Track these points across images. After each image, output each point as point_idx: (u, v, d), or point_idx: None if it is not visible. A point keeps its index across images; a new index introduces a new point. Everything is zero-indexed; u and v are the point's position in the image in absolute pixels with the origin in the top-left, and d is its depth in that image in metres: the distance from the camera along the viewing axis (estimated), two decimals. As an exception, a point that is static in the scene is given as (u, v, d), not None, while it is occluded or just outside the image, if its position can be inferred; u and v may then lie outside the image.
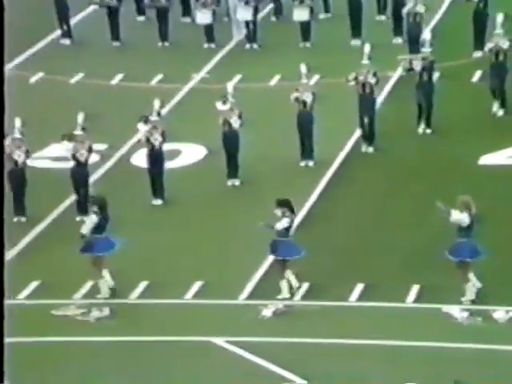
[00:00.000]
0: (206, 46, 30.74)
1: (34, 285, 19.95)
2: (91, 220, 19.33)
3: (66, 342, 18.37)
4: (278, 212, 19.19)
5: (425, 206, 21.88)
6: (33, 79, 28.91)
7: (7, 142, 21.68)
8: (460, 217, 18.36)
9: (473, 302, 18.88)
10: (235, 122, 23.04)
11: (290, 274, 19.15)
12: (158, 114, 23.06)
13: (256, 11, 31.11)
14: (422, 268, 19.98)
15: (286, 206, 19.24)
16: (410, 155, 24.62)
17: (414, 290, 19.30)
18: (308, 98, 23.95)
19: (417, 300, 19.20)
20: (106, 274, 19.20)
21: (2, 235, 3.42)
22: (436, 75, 26.31)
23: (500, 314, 18.52)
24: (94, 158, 23.06)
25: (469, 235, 18.98)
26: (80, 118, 22.19)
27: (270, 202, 19.59)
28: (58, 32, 31.47)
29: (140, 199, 22.77)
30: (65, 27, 30.99)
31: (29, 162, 22.44)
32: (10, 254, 20.76)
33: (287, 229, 19.33)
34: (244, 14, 30.88)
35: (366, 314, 19.15)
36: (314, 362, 17.46)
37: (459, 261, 18.90)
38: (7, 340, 17.44)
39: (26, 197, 22.10)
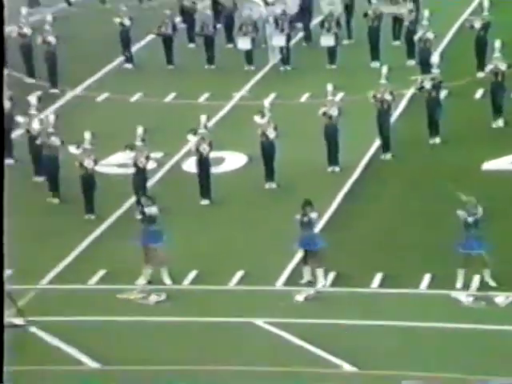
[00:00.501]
0: (246, 68, 30.67)
1: (101, 273, 19.97)
2: (154, 210, 19.45)
3: (129, 321, 18.40)
4: (307, 210, 19.19)
5: (436, 206, 21.92)
6: (99, 98, 28.94)
7: (79, 151, 21.86)
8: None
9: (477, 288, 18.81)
10: (271, 134, 22.98)
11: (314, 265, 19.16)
12: (205, 126, 23.01)
13: (289, 38, 31.08)
14: (433, 259, 19.86)
15: (309, 205, 19.23)
16: (422, 161, 24.50)
17: (427, 278, 19.21)
18: (334, 112, 23.86)
19: (429, 287, 19.12)
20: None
21: (1, 234, 3.05)
22: (444, 93, 26.23)
23: (501, 298, 18.36)
24: (151, 164, 23.10)
25: (475, 231, 18.89)
26: (139, 130, 22.28)
27: (302, 201, 19.56)
28: (122, 58, 31.45)
29: (190, 199, 22.69)
30: (127, 54, 31.08)
31: (97, 169, 22.48)
32: (81, 246, 20.98)
33: (312, 225, 19.31)
34: (278, 40, 30.88)
35: (385, 299, 19.06)
36: (341, 340, 17.45)
37: (467, 253, 18.80)
38: (82, 318, 17.80)
39: (94, 198, 22.15)
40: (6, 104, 24.28)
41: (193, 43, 32.55)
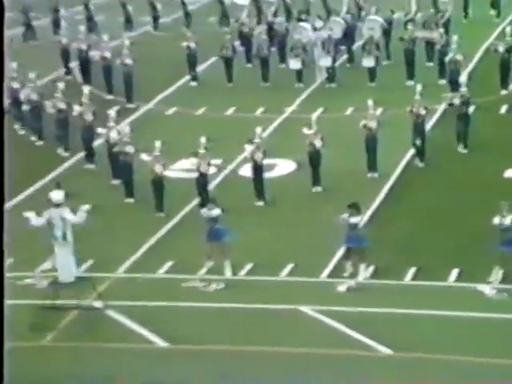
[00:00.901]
0: (296, 85, 30.66)
1: (169, 264, 20.04)
2: (217, 212, 19.52)
3: (192, 306, 18.44)
4: (350, 212, 19.13)
5: (463, 208, 21.87)
6: (168, 112, 29.15)
7: (150, 158, 22.04)
8: None
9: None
10: (318, 143, 22.95)
11: (356, 260, 19.12)
12: (260, 137, 23.08)
13: (334, 59, 31.11)
14: (461, 256, 19.73)
15: (355, 207, 19.14)
16: (451, 168, 24.35)
17: (455, 272, 19.13)
18: (373, 124, 23.81)
19: (456, 280, 19.05)
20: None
21: (1, 234, 3.02)
22: (472, 108, 25.95)
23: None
24: (212, 170, 23.13)
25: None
26: (202, 140, 22.41)
27: (344, 203, 19.53)
28: (188, 77, 31.62)
29: (246, 201, 22.70)
30: (193, 73, 31.27)
31: (165, 173, 22.60)
32: (152, 241, 21.14)
33: (356, 224, 19.25)
34: (325, 61, 30.88)
35: (417, 291, 18.96)
36: (378, 326, 17.38)
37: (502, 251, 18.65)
38: (152, 303, 17.90)
39: (163, 198, 22.29)
40: (89, 117, 24.74)
41: (250, 63, 32.63)
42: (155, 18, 37.34)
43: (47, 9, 36.70)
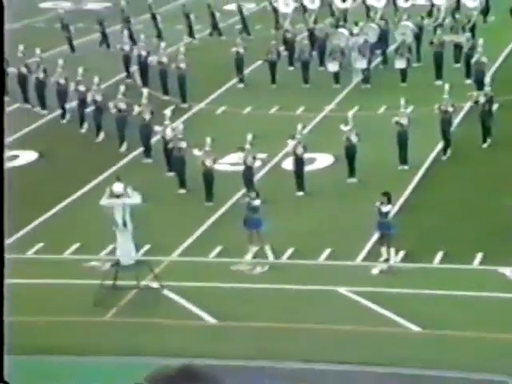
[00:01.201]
0: (334, 86, 30.58)
1: (218, 249, 20.10)
2: (257, 202, 19.54)
3: (239, 287, 18.57)
4: (382, 201, 19.10)
5: (486, 198, 21.75)
6: (218, 111, 29.17)
7: (201, 153, 22.14)
8: None
9: None
10: (354, 139, 22.96)
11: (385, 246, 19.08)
12: (301, 133, 23.10)
13: (369, 62, 31.08)
14: (484, 241, 19.66)
15: (387, 197, 19.08)
16: (476, 161, 24.28)
17: (479, 256, 19.03)
18: (404, 121, 23.75)
19: (480, 263, 18.94)
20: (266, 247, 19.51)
21: (2, 234, 2.80)
22: (495, 106, 25.76)
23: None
24: (257, 163, 23.20)
25: None
26: (249, 136, 22.47)
27: (377, 193, 19.53)
28: (236, 79, 31.66)
29: (288, 191, 22.70)
30: (240, 76, 31.31)
31: (215, 166, 22.67)
32: (203, 227, 21.27)
33: (387, 213, 19.16)
34: (361, 64, 30.83)
35: (445, 273, 18.89)
36: (408, 305, 17.37)
37: None
38: (203, 284, 18.02)
39: (213, 189, 22.36)
40: (147, 116, 24.93)
41: (292, 67, 32.56)
42: (214, 26, 37.37)
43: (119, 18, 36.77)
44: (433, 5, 36.05)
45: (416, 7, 35.66)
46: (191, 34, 36.70)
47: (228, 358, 15.65)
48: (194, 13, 36.97)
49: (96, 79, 27.22)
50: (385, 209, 19.05)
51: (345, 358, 15.74)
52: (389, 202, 19.21)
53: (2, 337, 3.93)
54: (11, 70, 29.89)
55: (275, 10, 37.55)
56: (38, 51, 30.04)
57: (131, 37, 34.39)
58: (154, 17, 37.02)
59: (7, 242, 21.32)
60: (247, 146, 22.56)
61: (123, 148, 25.99)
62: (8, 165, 25.58)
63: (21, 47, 29.97)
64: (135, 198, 18.75)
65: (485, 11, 36.12)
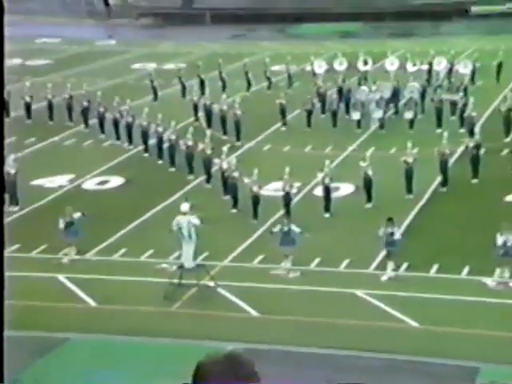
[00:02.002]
0: (355, 131, 30.35)
1: (260, 257, 19.87)
2: (293, 227, 19.33)
3: (277, 288, 18.45)
4: (387, 224, 18.93)
5: (474, 223, 21.44)
6: (265, 148, 29.11)
7: (250, 181, 22.03)
8: None
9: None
10: (370, 172, 22.75)
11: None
12: (329, 167, 23.04)
13: (384, 113, 30.86)
14: (471, 257, 19.35)
15: (391, 221, 19.03)
16: (466, 194, 23.78)
17: (466, 269, 18.82)
18: (411, 160, 23.50)
19: (467, 274, 18.72)
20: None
21: (2, 234, 2.80)
22: (482, 151, 25.36)
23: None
24: (294, 190, 22.86)
25: None
26: (287, 169, 22.36)
27: (388, 216, 19.35)
28: (279, 123, 31.60)
29: (317, 213, 22.40)
30: (283, 121, 31.22)
31: (261, 192, 22.60)
32: (249, 240, 21.02)
33: (391, 233, 18.98)
34: (378, 114, 30.61)
35: (439, 281, 18.59)
36: (410, 304, 17.23)
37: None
38: (249, 284, 18.03)
39: (258, 210, 22.27)
40: (209, 151, 25.02)
41: (323, 114, 32.35)
42: (269, 81, 37.29)
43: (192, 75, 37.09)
44: (433, 70, 35.88)
45: (421, 71, 35.46)
46: (248, 87, 36.84)
47: (268, 344, 15.60)
48: (251, 71, 37.23)
49: (172, 123, 27.54)
50: (390, 230, 18.88)
51: (359, 346, 15.65)
52: (393, 224, 19.03)
53: (1, 337, 3.13)
54: (108, 116, 30.49)
55: (312, 71, 37.60)
56: (128, 101, 30.43)
57: (202, 89, 34.73)
58: (220, 73, 37.26)
59: (101, 246, 21.56)
60: (286, 177, 22.42)
61: (190, 176, 26.09)
62: (101, 187, 26.02)
63: (116, 98, 30.43)
64: (196, 220, 18.88)
65: (473, 76, 35.82)
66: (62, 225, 19.92)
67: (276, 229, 19.72)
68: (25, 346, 15.39)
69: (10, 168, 23.01)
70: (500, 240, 18.06)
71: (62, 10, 58.83)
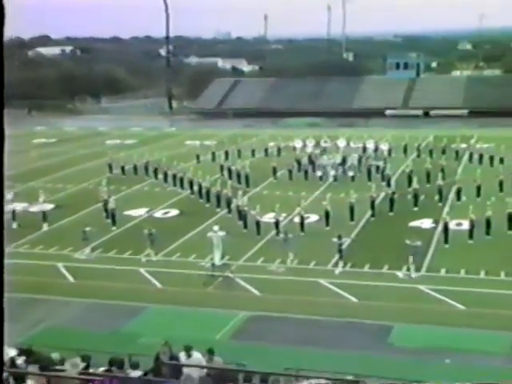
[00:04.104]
0: (320, 183, 29.48)
1: (261, 259, 19.29)
2: (287, 236, 18.95)
3: (270, 278, 17.77)
4: (338, 237, 18.52)
5: (392, 236, 20.57)
6: (264, 193, 28.59)
7: (255, 213, 21.44)
8: None
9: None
10: (328, 208, 22.44)
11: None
12: (303, 204, 22.75)
13: (336, 172, 30.24)
14: (391, 258, 18.69)
15: (339, 236, 18.53)
16: (386, 221, 23.21)
17: (386, 266, 18.09)
18: (353, 200, 23.27)
19: (387, 269, 17.95)
20: None
21: (1, 233, 2.03)
22: (396, 196, 24.75)
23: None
24: (281, 218, 22.60)
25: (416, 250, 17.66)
26: (277, 205, 22.25)
27: (337, 234, 18.94)
28: (272, 178, 31.01)
29: (295, 233, 21.32)
30: (274, 176, 30.30)
31: (261, 219, 22.33)
32: (254, 249, 20.46)
33: (341, 244, 18.43)
34: (332, 173, 30.13)
35: (371, 274, 17.87)
36: (356, 290, 16.58)
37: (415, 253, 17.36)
38: (253, 276, 17.68)
39: (260, 230, 21.90)
40: (229, 194, 24.40)
41: (299, 172, 30.98)
42: (266, 152, 36.05)
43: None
44: (366, 147, 35.56)
45: (358, 148, 35.15)
46: (253, 155, 36.09)
47: (265, 312, 15.19)
48: (256, 146, 36.14)
49: (207, 177, 27.03)
50: (339, 242, 18.41)
51: (321, 313, 14.93)
52: (341, 239, 18.26)
53: (2, 337, 2.05)
54: (169, 172, 29.80)
55: (293, 146, 37.16)
56: (181, 163, 30.61)
57: (225, 156, 33.72)
58: (237, 147, 36.01)
59: (165, 251, 20.64)
60: (276, 210, 22.28)
61: (218, 209, 25.57)
62: (165, 216, 25.25)
63: (174, 162, 30.39)
64: (222, 234, 18.84)
65: (390, 151, 35.37)
66: (145, 232, 19.91)
67: (280, 237, 19.43)
68: (115, 312, 15.23)
69: (111, 204, 23.68)
70: (407, 241, 17.88)
71: (144, 111, 60.46)
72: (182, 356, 8.08)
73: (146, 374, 7.14)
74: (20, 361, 6.29)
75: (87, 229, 20.42)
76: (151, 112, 59.60)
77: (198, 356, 8.04)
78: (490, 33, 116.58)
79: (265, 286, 17.13)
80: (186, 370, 6.94)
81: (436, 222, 22.53)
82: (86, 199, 27.06)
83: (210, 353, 8.28)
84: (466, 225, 20.81)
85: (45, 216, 23.90)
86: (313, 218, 23.93)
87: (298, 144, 37.29)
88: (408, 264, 17.76)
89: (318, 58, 74.10)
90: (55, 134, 47.55)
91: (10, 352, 5.93)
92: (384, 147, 35.51)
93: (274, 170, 31.21)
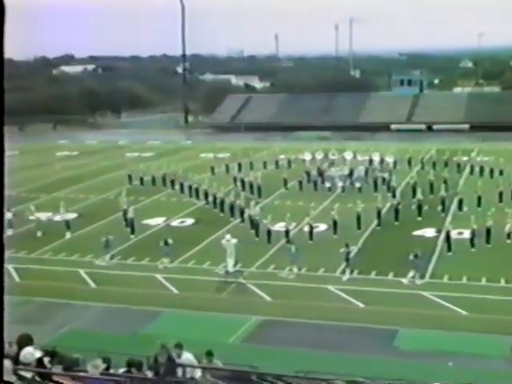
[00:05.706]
0: (328, 193, 29.41)
1: (272, 266, 19.24)
2: (293, 248, 18.34)
3: (281, 284, 17.78)
4: (346, 246, 18.56)
5: (398, 244, 20.50)
6: (275, 203, 28.44)
7: (266, 221, 21.45)
8: None
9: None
10: (336, 217, 22.45)
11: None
12: (311, 214, 22.83)
13: (344, 183, 30.21)
14: (396, 265, 18.57)
15: (347, 245, 18.59)
16: (392, 230, 23.12)
17: (392, 273, 18.12)
18: (359, 210, 23.22)
19: (394, 276, 17.93)
20: None
21: (1, 236, 1.94)
22: (400, 206, 24.72)
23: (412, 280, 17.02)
24: (291, 227, 22.58)
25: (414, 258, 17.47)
26: (288, 215, 22.26)
27: (345, 243, 18.94)
28: (283, 189, 30.88)
29: (305, 241, 21.63)
30: (285, 187, 30.28)
31: (273, 228, 22.30)
32: (266, 256, 20.44)
33: (348, 252, 18.43)
34: (340, 184, 30.03)
35: (377, 281, 17.84)
36: (363, 295, 16.55)
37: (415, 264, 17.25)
38: (263, 282, 17.79)
39: (271, 238, 21.84)
40: (242, 204, 24.30)
41: (309, 183, 31.04)
42: (277, 164, 36.01)
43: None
44: (372, 159, 35.30)
45: (365, 160, 34.64)
46: (265, 167, 35.68)
47: (276, 317, 14.92)
48: (267, 158, 36.18)
49: (221, 188, 27.14)
50: (347, 250, 18.36)
51: (330, 317, 14.91)
52: (348, 248, 18.33)
53: (1, 336, 1.91)
54: (185, 183, 30.03)
55: (303, 159, 37.18)
56: (196, 175, 30.85)
57: (239, 168, 33.94)
58: (250, 160, 36.07)
59: (181, 258, 20.40)
60: (287, 220, 22.28)
61: (232, 218, 25.47)
62: (181, 225, 25.16)
63: (190, 173, 30.53)
64: (235, 242, 18.70)
65: (395, 164, 34.93)
66: (161, 244, 20.01)
67: (288, 246, 19.24)
68: (134, 316, 15.25)
69: (130, 213, 23.99)
70: (411, 256, 17.81)
71: (162, 125, 60.67)
72: (175, 355, 7.64)
73: (157, 373, 7.17)
74: (46, 362, 6.41)
75: (110, 237, 20.62)
76: (168, 126, 59.84)
77: (188, 356, 7.63)
78: (489, 51, 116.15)
79: (276, 291, 17.05)
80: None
81: (439, 231, 22.47)
82: (107, 209, 27.31)
83: (209, 355, 7.99)
84: (467, 234, 20.75)
85: (68, 225, 24.25)
86: (321, 227, 23.86)
87: (308, 157, 37.48)
88: (412, 272, 17.71)
89: (327, 74, 74.22)
90: (77, 148, 47.91)
91: (35, 353, 6.06)
92: (389, 160, 35.49)
93: (285, 182, 31.21)
